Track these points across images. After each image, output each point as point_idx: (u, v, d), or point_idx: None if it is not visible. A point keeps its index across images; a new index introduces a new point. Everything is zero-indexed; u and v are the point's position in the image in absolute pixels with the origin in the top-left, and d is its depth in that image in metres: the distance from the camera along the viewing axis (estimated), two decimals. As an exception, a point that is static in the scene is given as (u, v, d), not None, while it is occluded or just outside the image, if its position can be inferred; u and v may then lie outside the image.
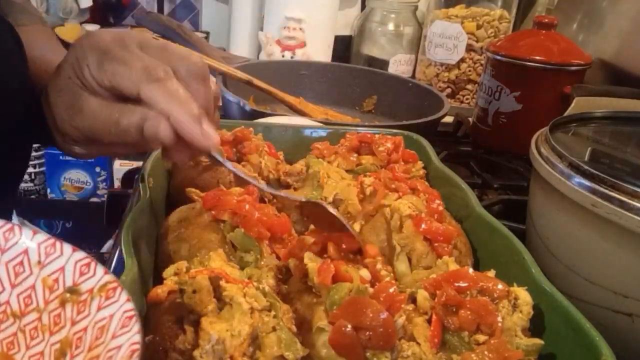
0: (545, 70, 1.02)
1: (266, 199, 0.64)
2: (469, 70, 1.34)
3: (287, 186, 0.66)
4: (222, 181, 0.63)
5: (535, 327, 0.45)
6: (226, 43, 1.62)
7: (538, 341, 0.43)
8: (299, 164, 0.68)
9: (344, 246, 0.48)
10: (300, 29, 1.38)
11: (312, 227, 0.59)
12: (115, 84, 0.45)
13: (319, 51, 1.44)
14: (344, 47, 1.60)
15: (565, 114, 0.85)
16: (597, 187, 0.54)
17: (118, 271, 0.44)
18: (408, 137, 0.78)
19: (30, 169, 1.87)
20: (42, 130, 0.54)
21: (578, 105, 0.92)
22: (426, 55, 1.38)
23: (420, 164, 0.71)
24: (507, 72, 1.06)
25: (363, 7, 1.63)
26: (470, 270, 0.47)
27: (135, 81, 0.44)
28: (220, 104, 1.03)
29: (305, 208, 0.52)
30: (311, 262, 0.46)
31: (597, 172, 0.54)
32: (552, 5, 1.42)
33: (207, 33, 1.78)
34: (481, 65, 1.32)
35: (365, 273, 0.46)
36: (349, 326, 0.41)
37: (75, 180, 1.87)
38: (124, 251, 0.45)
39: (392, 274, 0.53)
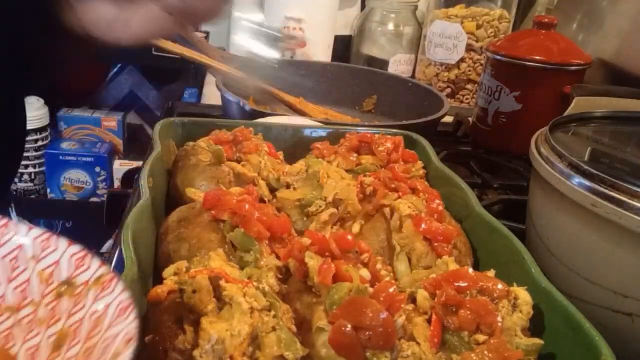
0: (545, 70, 1.02)
1: (266, 199, 0.64)
2: (469, 70, 1.34)
3: (287, 186, 0.66)
4: (222, 181, 0.63)
5: (535, 327, 0.45)
6: (226, 43, 1.62)
7: (538, 341, 0.43)
8: (299, 164, 0.68)
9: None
10: (300, 29, 1.38)
11: (311, 226, 0.59)
12: None
13: (319, 51, 1.44)
14: (344, 47, 1.60)
15: (565, 114, 0.85)
16: (597, 187, 0.54)
17: (118, 271, 0.44)
18: (408, 137, 0.78)
19: (30, 169, 1.87)
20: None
21: (578, 105, 0.92)
22: (426, 55, 1.38)
23: (420, 164, 0.71)
24: (507, 72, 1.06)
25: (363, 7, 1.63)
26: (470, 270, 0.47)
27: None
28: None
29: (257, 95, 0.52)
30: (312, 260, 0.46)
31: (597, 172, 0.55)
32: (552, 5, 1.42)
33: (207, 33, 1.78)
34: (481, 65, 1.32)
35: (365, 273, 0.46)
36: (349, 326, 0.41)
37: (75, 180, 1.87)
38: (124, 251, 0.45)
39: (392, 274, 0.53)
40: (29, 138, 1.80)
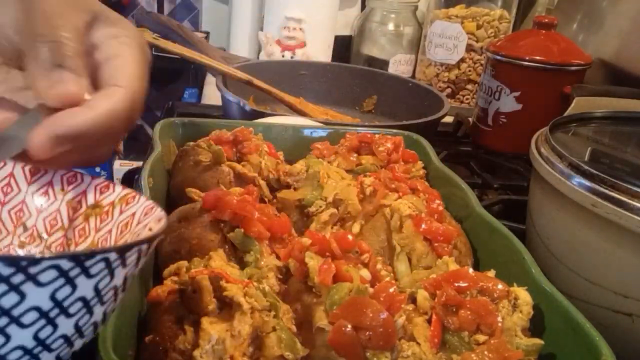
0: (545, 70, 1.02)
1: (266, 199, 0.64)
2: (469, 70, 1.34)
3: (287, 186, 0.66)
4: (222, 181, 0.63)
5: (535, 327, 0.45)
6: (226, 43, 1.62)
7: (538, 341, 0.43)
8: (299, 164, 0.68)
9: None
10: (300, 29, 1.38)
11: (311, 226, 0.59)
12: None
13: (319, 51, 1.44)
14: (344, 47, 1.60)
15: (565, 114, 0.85)
16: (597, 187, 0.54)
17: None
18: (408, 137, 0.78)
19: (30, 169, 1.87)
20: None
21: (578, 105, 0.92)
22: (426, 55, 1.38)
23: (420, 164, 0.71)
24: (507, 72, 1.06)
25: (363, 7, 1.63)
26: (470, 270, 0.47)
27: None
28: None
29: None
30: (312, 260, 0.46)
31: (597, 172, 0.55)
32: (552, 5, 1.42)
33: (207, 33, 1.78)
34: (481, 65, 1.32)
35: (365, 273, 0.46)
36: (349, 326, 0.41)
37: (75, 180, 1.87)
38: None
39: (392, 274, 0.53)
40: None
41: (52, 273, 0.24)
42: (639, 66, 1.06)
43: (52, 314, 0.26)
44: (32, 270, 0.24)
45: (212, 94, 1.33)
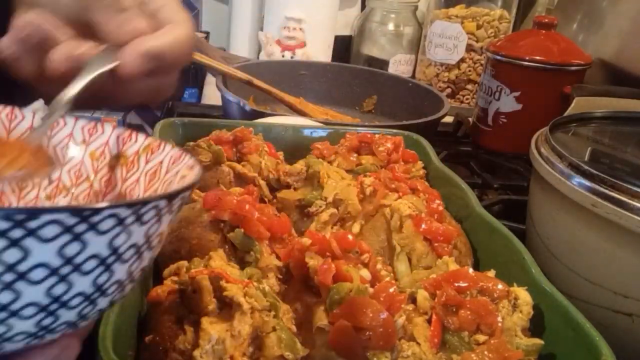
0: (545, 70, 1.02)
1: (266, 199, 0.64)
2: (469, 70, 1.34)
3: (287, 186, 0.66)
4: (222, 181, 0.63)
5: (535, 327, 0.45)
6: (226, 43, 1.62)
7: (538, 341, 0.43)
8: (299, 164, 0.68)
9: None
10: (300, 29, 1.38)
11: (311, 226, 0.59)
12: None
13: (319, 51, 1.44)
14: (344, 47, 1.59)
15: (565, 114, 0.85)
16: (597, 187, 0.54)
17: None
18: (408, 137, 0.78)
19: (30, 169, 1.87)
20: None
21: (578, 105, 0.92)
22: (426, 55, 1.38)
23: (420, 164, 0.71)
24: (507, 72, 1.06)
25: (363, 7, 1.63)
26: (470, 270, 0.47)
27: None
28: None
29: None
30: (312, 260, 0.46)
31: (597, 172, 0.55)
32: (552, 5, 1.42)
33: (207, 33, 1.78)
34: (481, 65, 1.32)
35: (365, 273, 0.46)
36: (349, 326, 0.41)
37: (75, 180, 1.87)
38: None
39: (392, 274, 0.53)
40: (29, 138, 1.80)
41: (110, 222, 0.25)
42: (639, 66, 1.06)
43: (109, 260, 0.26)
44: (93, 219, 0.24)
45: (212, 94, 1.33)
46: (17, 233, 0.23)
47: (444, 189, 0.65)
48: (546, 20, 1.06)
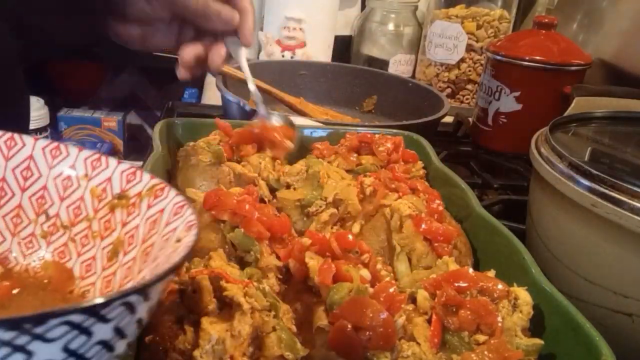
0: (545, 70, 1.02)
1: (266, 199, 0.64)
2: (469, 70, 1.34)
3: (287, 186, 0.66)
4: (222, 181, 0.63)
5: (535, 327, 0.45)
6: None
7: (538, 341, 0.43)
8: (299, 164, 0.68)
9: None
10: (300, 29, 1.38)
11: (311, 226, 0.59)
12: None
13: (319, 51, 1.44)
14: (344, 47, 1.59)
15: (565, 114, 0.84)
16: (597, 187, 0.54)
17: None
18: (408, 137, 0.78)
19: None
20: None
21: (578, 105, 0.92)
22: (426, 55, 1.38)
23: (420, 164, 0.71)
24: (507, 72, 1.06)
25: (363, 7, 1.63)
26: (470, 270, 0.47)
27: None
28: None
29: None
30: (312, 260, 0.46)
31: (597, 172, 0.55)
32: (552, 5, 1.42)
33: (207, 33, 1.77)
34: (481, 65, 1.32)
35: (365, 273, 0.46)
36: (349, 326, 0.41)
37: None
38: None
39: (392, 274, 0.53)
40: (29, 138, 1.80)
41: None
42: (639, 66, 1.06)
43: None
44: (88, 322, 0.24)
45: (212, 94, 1.33)
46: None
47: (444, 189, 0.65)
48: (546, 20, 1.06)
